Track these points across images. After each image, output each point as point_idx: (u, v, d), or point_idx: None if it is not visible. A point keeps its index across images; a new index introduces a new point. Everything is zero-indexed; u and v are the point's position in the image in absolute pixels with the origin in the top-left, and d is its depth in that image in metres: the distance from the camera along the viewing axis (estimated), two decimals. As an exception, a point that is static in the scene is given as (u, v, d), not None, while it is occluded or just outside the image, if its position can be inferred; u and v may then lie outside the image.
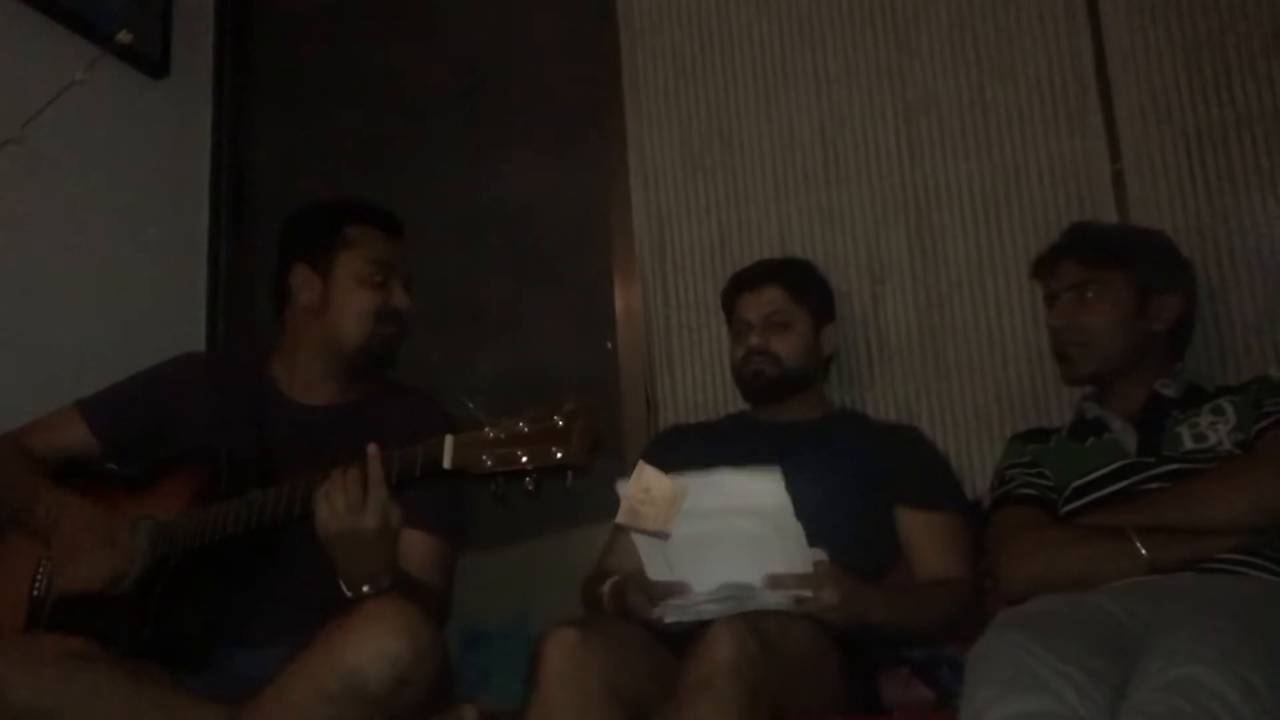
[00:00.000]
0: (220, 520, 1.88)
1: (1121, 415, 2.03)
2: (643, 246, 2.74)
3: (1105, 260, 2.06)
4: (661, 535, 1.80)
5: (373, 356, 2.16)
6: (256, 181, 3.23)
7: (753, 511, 1.84)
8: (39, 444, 2.17)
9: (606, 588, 1.97)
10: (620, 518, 1.80)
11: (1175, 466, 1.89)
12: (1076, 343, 2.06)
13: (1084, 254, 2.09)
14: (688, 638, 1.71)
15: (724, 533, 1.84)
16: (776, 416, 2.28)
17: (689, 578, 1.86)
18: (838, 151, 2.64)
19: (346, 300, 2.15)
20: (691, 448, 2.25)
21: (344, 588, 1.80)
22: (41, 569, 2.02)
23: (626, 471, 1.93)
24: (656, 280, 2.72)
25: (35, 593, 2.01)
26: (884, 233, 2.57)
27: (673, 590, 1.85)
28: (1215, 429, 1.91)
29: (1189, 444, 1.92)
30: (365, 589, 1.78)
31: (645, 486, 1.78)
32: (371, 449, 1.75)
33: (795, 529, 1.84)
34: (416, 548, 2.06)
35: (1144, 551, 1.77)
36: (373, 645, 1.64)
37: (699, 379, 2.66)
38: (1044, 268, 2.16)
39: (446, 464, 1.68)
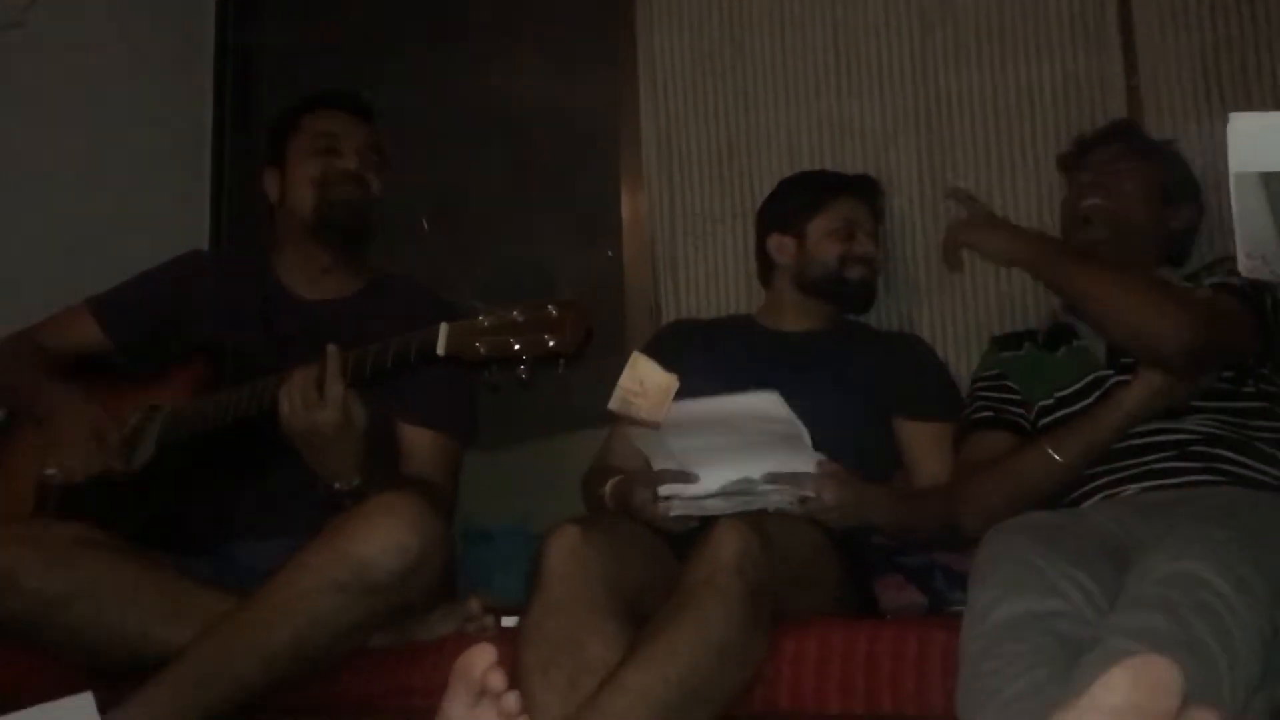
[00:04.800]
0: (221, 408, 1.90)
1: None
2: (649, 152, 2.72)
3: (1140, 151, 2.10)
4: (652, 425, 1.82)
5: (334, 225, 2.16)
6: (262, 76, 3.19)
7: (757, 418, 1.87)
8: (51, 341, 2.20)
9: (609, 487, 1.99)
10: (613, 404, 1.82)
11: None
12: (1104, 227, 2.03)
13: (1127, 142, 2.12)
14: (689, 538, 1.73)
15: (729, 438, 1.87)
16: (780, 324, 2.29)
17: (695, 469, 1.89)
18: (850, 60, 2.61)
19: (296, 177, 2.18)
20: (693, 345, 2.27)
21: (319, 484, 1.82)
22: (51, 460, 2.05)
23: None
24: (663, 186, 2.70)
25: (43, 480, 2.04)
26: (894, 145, 2.55)
27: (678, 478, 1.87)
28: None
29: None
30: (336, 486, 1.81)
31: (639, 378, 1.79)
32: (331, 348, 1.77)
33: (799, 432, 1.86)
34: (423, 445, 2.10)
35: (1051, 452, 1.83)
36: (382, 536, 1.67)
37: (703, 288, 2.65)
38: (1078, 152, 2.16)
39: (440, 350, 1.69)
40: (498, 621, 1.88)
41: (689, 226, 2.68)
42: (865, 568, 2.04)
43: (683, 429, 1.87)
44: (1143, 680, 0.91)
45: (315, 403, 1.75)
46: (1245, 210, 1.08)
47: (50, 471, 2.02)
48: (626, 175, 2.77)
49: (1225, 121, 1.17)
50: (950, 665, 1.46)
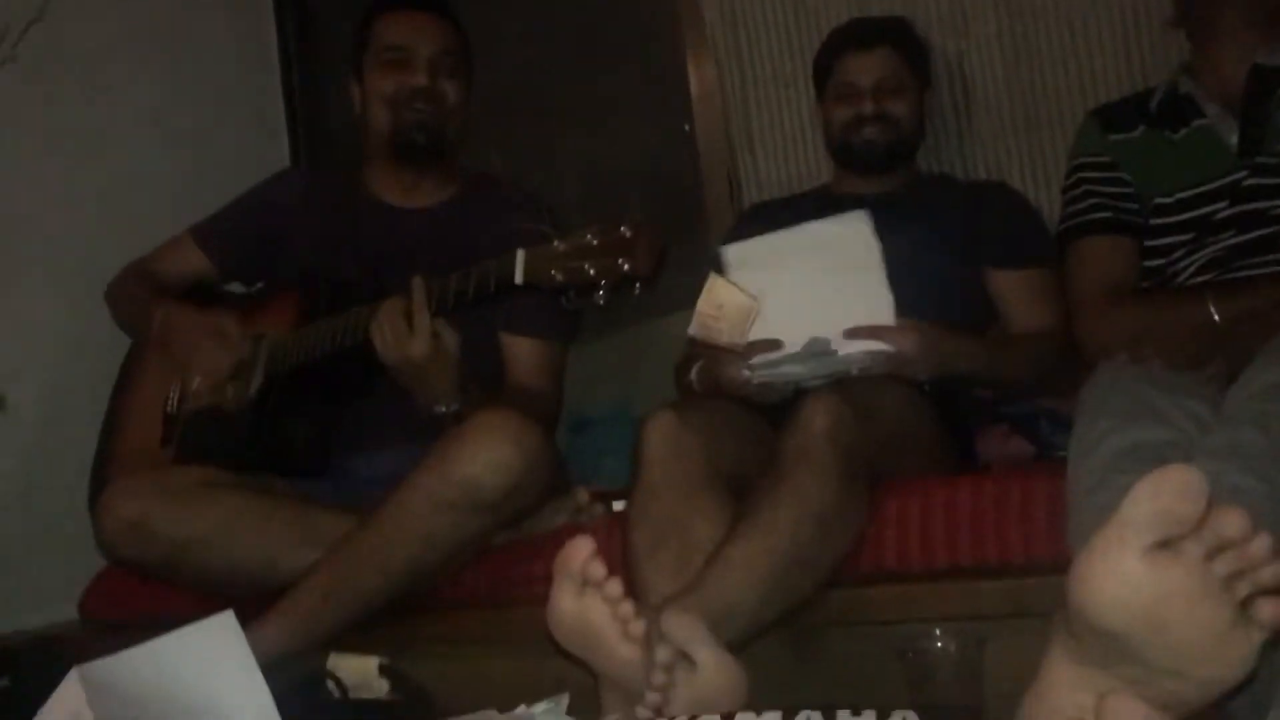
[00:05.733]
0: (321, 338, 1.96)
1: (1219, 97, 1.81)
2: (714, 20, 2.65)
3: None
4: (734, 349, 1.82)
5: (412, 144, 2.15)
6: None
7: (841, 255, 1.85)
8: (161, 270, 2.28)
9: (695, 371, 2.00)
10: (692, 330, 1.82)
11: (1270, 181, 1.72)
12: None
13: None
14: (783, 409, 1.74)
15: (809, 282, 1.85)
16: (860, 189, 2.23)
17: (776, 334, 1.88)
18: (919, -99, 2.48)
19: (371, 92, 2.17)
20: (775, 225, 2.25)
21: (420, 409, 1.87)
22: (173, 389, 2.14)
23: (712, 254, 1.95)
24: (731, 57, 2.64)
25: (169, 409, 2.14)
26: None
27: (761, 348, 1.86)
28: None
29: None
30: (436, 410, 1.86)
31: (718, 302, 1.78)
32: (416, 280, 1.80)
33: (881, 278, 1.83)
34: (525, 354, 2.14)
35: (1212, 309, 1.66)
36: (486, 455, 1.73)
37: (781, 156, 2.60)
38: None
39: (518, 279, 1.72)
40: (608, 507, 1.94)
41: (761, 94, 2.62)
42: (965, 421, 2.03)
43: (765, 269, 1.86)
44: (1164, 489, 0.91)
45: (405, 335, 1.79)
46: None
47: (179, 384, 2.10)
48: (692, 50, 2.71)
49: None
50: (1056, 512, 1.47)
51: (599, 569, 1.30)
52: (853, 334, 1.83)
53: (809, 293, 1.84)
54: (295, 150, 3.10)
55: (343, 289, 2.05)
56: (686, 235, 2.49)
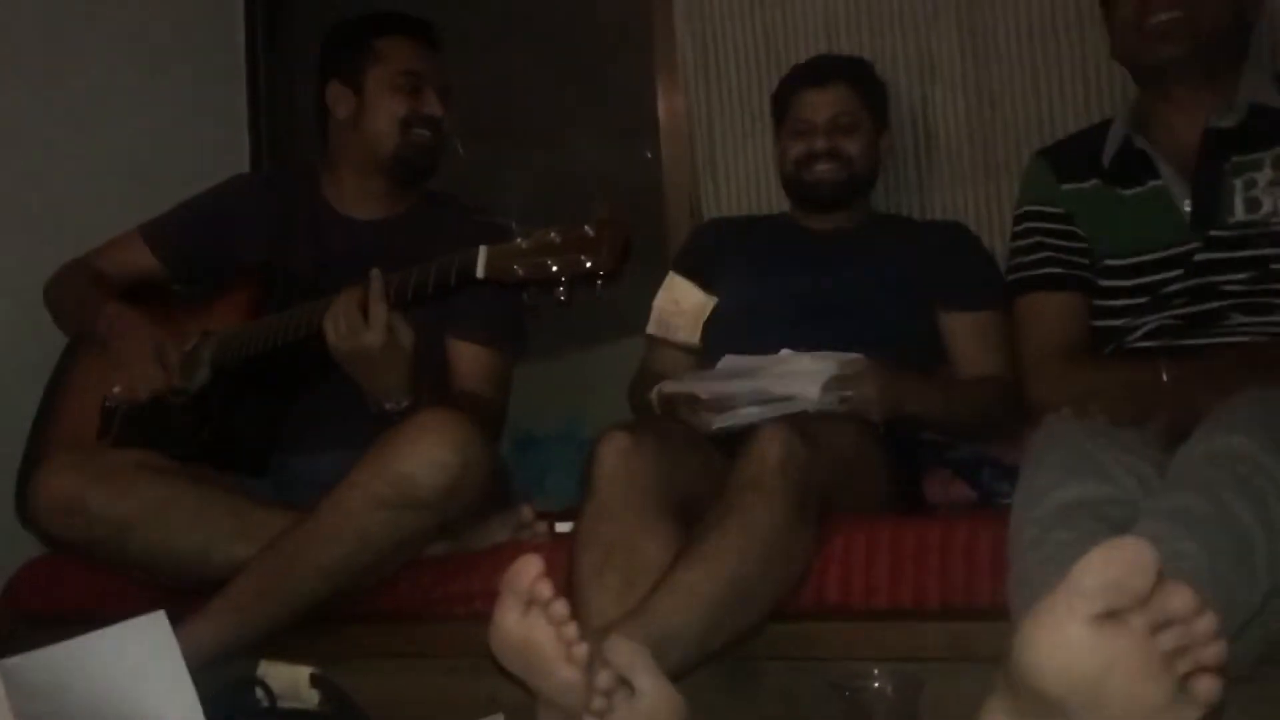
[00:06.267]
0: (271, 331, 1.94)
1: (1173, 159, 1.79)
2: (685, 49, 2.66)
3: None
4: (690, 346, 1.83)
5: (409, 165, 2.17)
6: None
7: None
8: (108, 267, 2.25)
9: (655, 394, 2.00)
10: (651, 328, 1.83)
11: (1219, 255, 1.72)
12: (1175, 11, 1.75)
13: None
14: (738, 439, 1.75)
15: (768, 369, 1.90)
16: (819, 223, 2.25)
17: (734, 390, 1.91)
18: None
19: (379, 109, 2.16)
20: (728, 244, 2.26)
21: (370, 405, 1.85)
22: (115, 387, 2.10)
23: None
24: (699, 84, 2.65)
25: (107, 404, 2.10)
26: (934, 30, 2.48)
27: (721, 406, 1.89)
28: (1273, 191, 1.71)
29: (1240, 212, 1.72)
30: (387, 406, 1.85)
31: (675, 298, 1.81)
32: (373, 272, 1.79)
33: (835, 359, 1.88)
34: (470, 360, 2.13)
35: (1165, 379, 1.66)
36: (423, 454, 1.71)
37: (744, 185, 2.61)
38: None
39: (480, 273, 1.71)
40: (551, 527, 1.92)
41: (728, 124, 2.63)
42: (913, 463, 2.05)
43: (725, 379, 1.90)
44: (1116, 560, 0.92)
45: (360, 326, 1.78)
46: None
47: (115, 390, 2.07)
48: (663, 74, 2.73)
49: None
50: (998, 557, 1.48)
51: (546, 588, 1.29)
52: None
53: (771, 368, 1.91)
54: (256, 152, 3.07)
55: (295, 285, 2.03)
56: (646, 260, 2.49)
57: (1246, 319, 1.71)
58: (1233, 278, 1.71)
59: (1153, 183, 1.80)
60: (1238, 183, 1.73)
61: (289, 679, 1.60)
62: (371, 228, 2.20)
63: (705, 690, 1.47)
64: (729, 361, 1.99)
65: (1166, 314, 1.76)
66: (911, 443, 2.04)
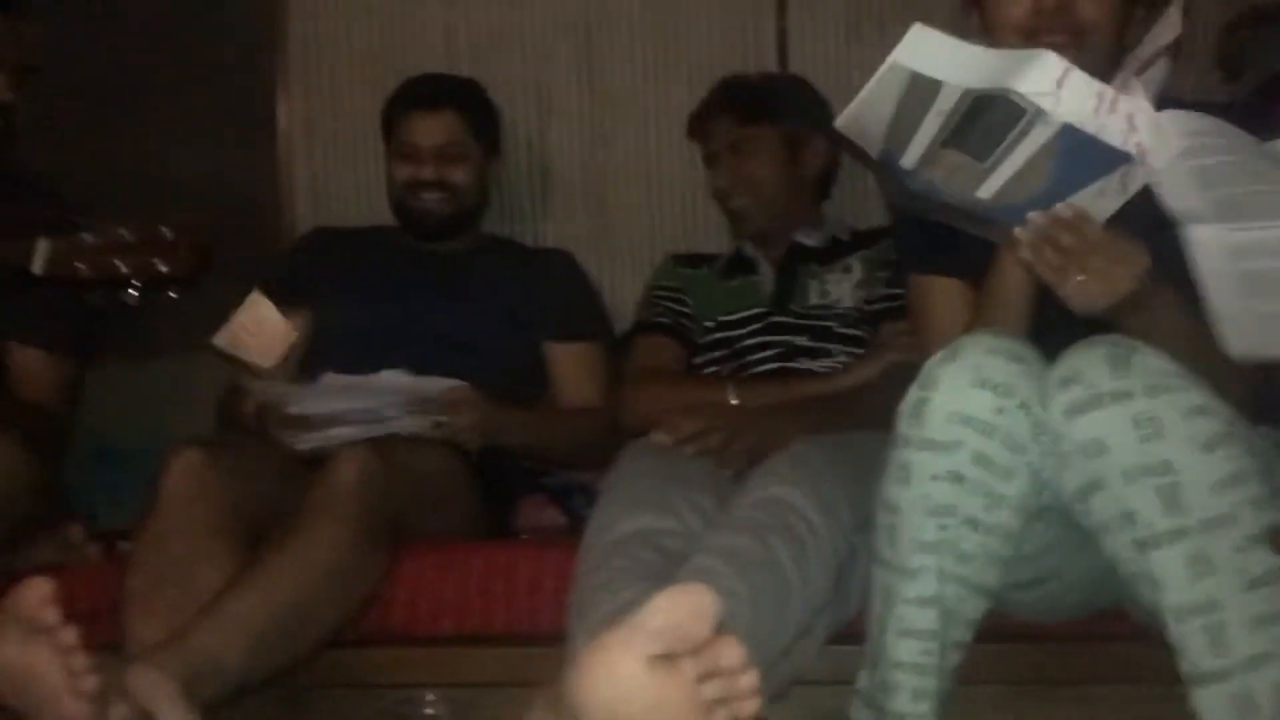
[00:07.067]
0: None
1: (770, 260, 2.12)
2: (297, 51, 2.57)
3: (756, 115, 2.11)
4: (259, 368, 1.78)
5: None
6: None
7: (389, 391, 1.88)
8: None
9: (250, 407, 1.90)
10: (219, 339, 1.77)
11: (790, 320, 2.02)
12: (743, 197, 2.11)
13: (735, 111, 2.12)
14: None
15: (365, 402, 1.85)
16: (422, 246, 2.20)
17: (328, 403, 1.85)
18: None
19: None
20: (334, 254, 2.21)
21: None
22: None
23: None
24: (314, 87, 2.58)
25: None
26: (554, 57, 2.52)
27: (310, 424, 1.83)
28: (840, 285, 2.04)
29: (814, 298, 2.04)
30: None
31: (259, 319, 1.74)
32: None
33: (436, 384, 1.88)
34: (31, 366, 1.94)
35: (731, 395, 1.89)
36: None
37: (354, 196, 2.54)
38: (698, 126, 2.20)
39: (37, 269, 1.57)
40: (113, 547, 1.79)
41: (339, 130, 2.56)
42: (507, 489, 2.06)
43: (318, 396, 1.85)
44: (680, 605, 0.96)
45: None
46: (876, 94, 1.22)
47: None
48: (282, 76, 2.62)
49: (865, 65, 1.28)
50: (564, 584, 1.49)
51: (52, 614, 1.19)
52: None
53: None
54: None
55: None
56: (253, 269, 2.38)
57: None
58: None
59: (753, 278, 2.12)
60: (814, 281, 2.06)
61: None
62: None
63: (252, 718, 1.40)
64: (329, 380, 1.92)
65: (747, 360, 2.03)
66: (506, 469, 2.05)
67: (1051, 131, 1.20)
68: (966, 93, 1.21)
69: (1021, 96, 1.19)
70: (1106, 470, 1.20)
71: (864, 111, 1.26)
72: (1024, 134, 1.21)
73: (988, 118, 1.21)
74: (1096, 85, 1.22)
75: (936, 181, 1.25)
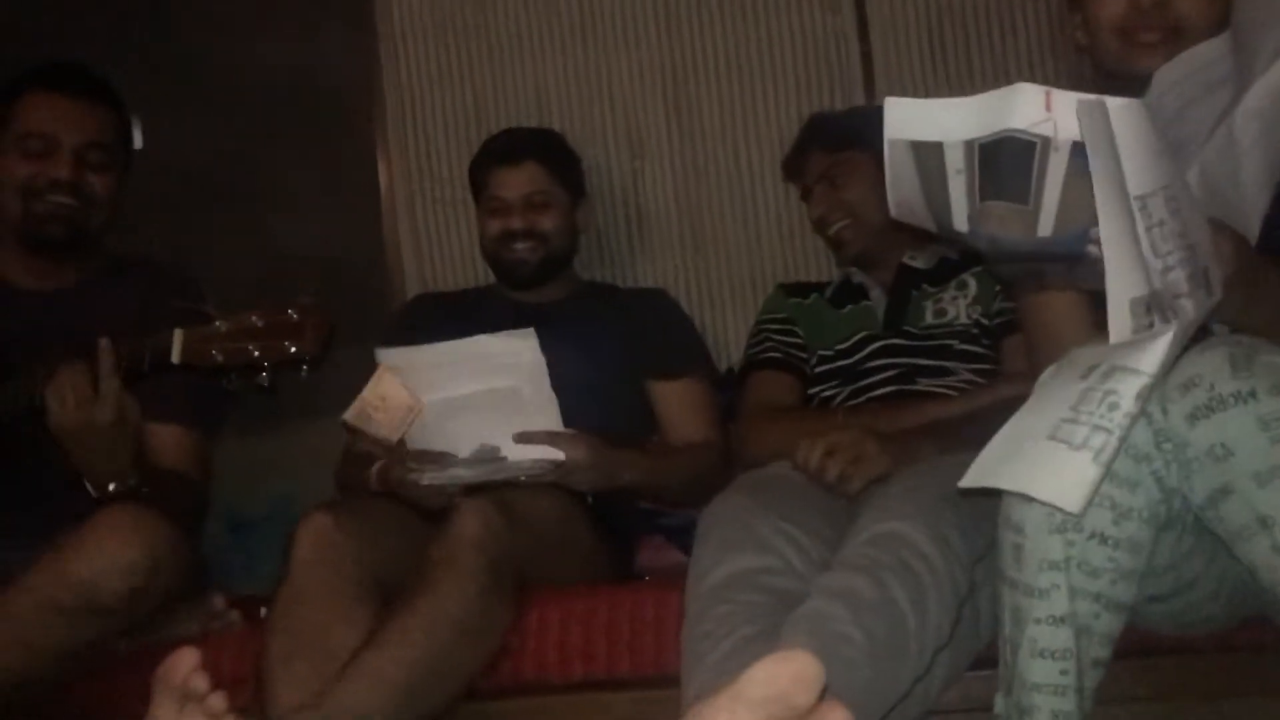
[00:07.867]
0: None
1: (880, 284, 2.12)
2: (394, 118, 2.65)
3: (845, 143, 2.13)
4: (386, 443, 1.82)
5: (39, 234, 2.00)
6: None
7: (507, 369, 1.87)
8: None
9: (374, 471, 1.95)
10: (349, 415, 1.81)
11: (906, 342, 2.02)
12: (841, 221, 2.12)
13: (825, 143, 2.16)
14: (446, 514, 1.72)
15: (478, 391, 1.87)
16: (526, 296, 2.26)
17: (445, 440, 1.88)
18: (596, 14, 2.59)
19: (3, 175, 2.01)
20: (436, 318, 2.24)
21: (90, 488, 1.75)
22: None
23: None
24: (411, 152, 2.65)
25: None
26: (643, 103, 2.56)
27: (431, 458, 1.86)
28: (956, 303, 2.03)
29: (929, 318, 2.04)
30: (111, 487, 1.75)
31: (382, 394, 1.79)
32: (103, 342, 1.70)
33: (547, 389, 1.88)
34: (169, 442, 2.01)
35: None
36: (105, 558, 1.62)
37: (458, 256, 2.61)
38: (792, 165, 2.24)
39: (175, 358, 1.65)
40: (255, 613, 1.84)
41: (438, 194, 2.63)
42: (625, 531, 2.07)
43: (432, 374, 1.86)
44: (783, 674, 0.94)
45: (89, 399, 1.67)
46: (896, 174, 1.21)
47: None
48: (383, 143, 2.69)
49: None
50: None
51: (201, 683, 1.23)
52: (524, 438, 1.86)
53: (475, 401, 1.87)
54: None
55: None
56: (367, 333, 2.44)
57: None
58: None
59: (864, 303, 2.12)
60: (928, 302, 2.06)
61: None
62: (47, 299, 2.06)
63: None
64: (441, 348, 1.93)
65: (862, 383, 2.02)
66: (624, 510, 2.06)
67: (1065, 154, 1.18)
68: (969, 144, 1.19)
69: (1023, 132, 1.17)
70: (1236, 474, 1.16)
71: (899, 194, 1.24)
72: (1044, 165, 1.19)
73: (1005, 161, 1.19)
74: (1076, 95, 1.20)
75: (997, 235, 1.24)
